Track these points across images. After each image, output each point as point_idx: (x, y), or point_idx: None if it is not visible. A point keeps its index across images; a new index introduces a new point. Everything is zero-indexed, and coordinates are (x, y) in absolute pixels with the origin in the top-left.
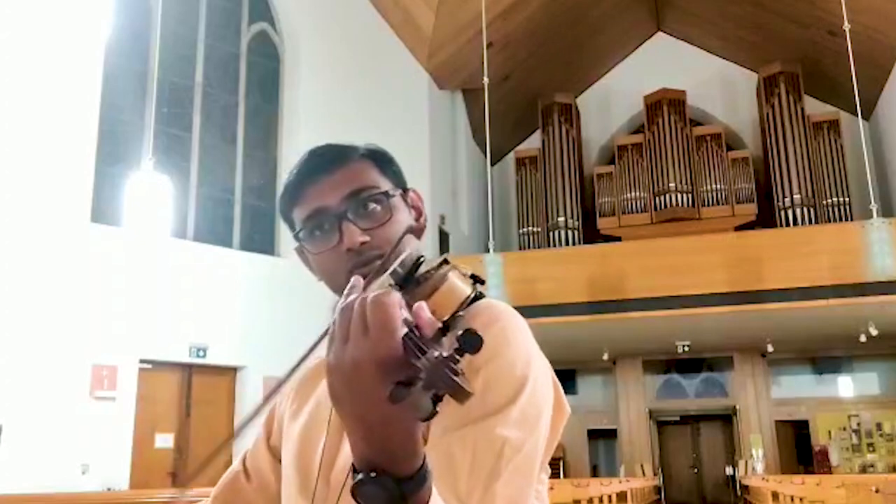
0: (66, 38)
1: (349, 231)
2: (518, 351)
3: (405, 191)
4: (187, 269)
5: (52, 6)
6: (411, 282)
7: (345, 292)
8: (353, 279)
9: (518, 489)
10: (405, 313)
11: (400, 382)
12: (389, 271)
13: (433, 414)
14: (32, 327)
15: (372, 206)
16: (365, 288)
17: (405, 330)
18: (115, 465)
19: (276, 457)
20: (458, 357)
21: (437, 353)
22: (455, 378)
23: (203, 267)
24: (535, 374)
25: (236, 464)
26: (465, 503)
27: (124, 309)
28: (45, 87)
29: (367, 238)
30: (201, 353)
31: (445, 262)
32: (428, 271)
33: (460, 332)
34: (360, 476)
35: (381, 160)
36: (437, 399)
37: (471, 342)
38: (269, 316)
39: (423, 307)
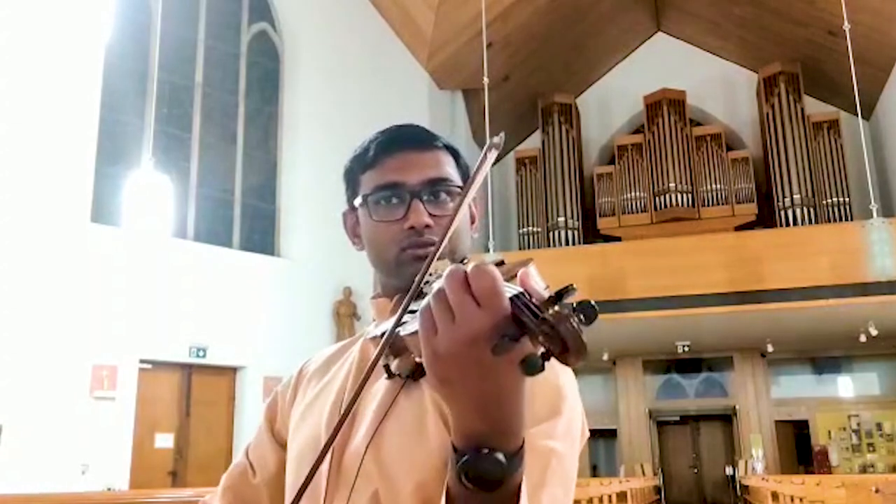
0: (66, 38)
1: (418, 210)
2: (556, 367)
3: None
4: (187, 269)
5: (52, 6)
6: None
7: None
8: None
9: (559, 501)
10: (506, 283)
11: (505, 335)
12: (437, 254)
13: (541, 370)
14: (32, 327)
15: (444, 196)
16: (425, 271)
17: (514, 292)
18: (115, 465)
19: (280, 444)
20: (580, 318)
21: (562, 310)
22: (579, 331)
23: (203, 267)
24: (573, 391)
25: (241, 457)
26: None
27: (124, 309)
28: (45, 88)
29: (431, 222)
30: (201, 353)
31: (502, 262)
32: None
33: (575, 302)
34: (468, 455)
35: (458, 158)
36: (545, 357)
37: (589, 310)
38: (268, 316)
39: (528, 272)
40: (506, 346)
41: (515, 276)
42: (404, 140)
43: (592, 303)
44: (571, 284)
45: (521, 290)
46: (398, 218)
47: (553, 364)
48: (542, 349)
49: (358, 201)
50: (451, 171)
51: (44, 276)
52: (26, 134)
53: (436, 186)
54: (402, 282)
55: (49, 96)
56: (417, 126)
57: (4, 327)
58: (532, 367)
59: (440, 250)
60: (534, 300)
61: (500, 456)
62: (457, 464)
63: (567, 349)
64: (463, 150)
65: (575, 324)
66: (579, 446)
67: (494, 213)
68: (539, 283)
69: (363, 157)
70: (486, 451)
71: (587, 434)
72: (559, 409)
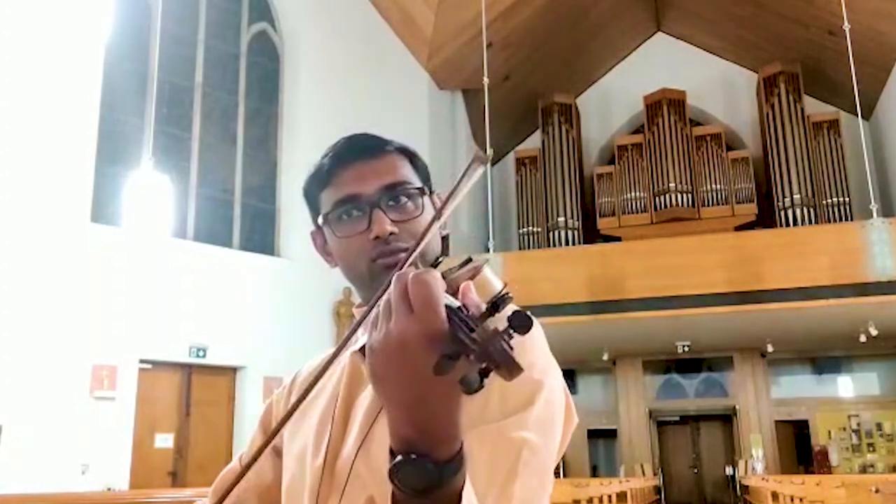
0: (66, 38)
1: (379, 219)
2: (536, 357)
3: (431, 192)
4: (187, 269)
5: (52, 6)
6: None
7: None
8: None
9: (533, 492)
10: (447, 295)
11: (445, 355)
12: (408, 263)
13: (480, 388)
14: (32, 327)
15: (404, 200)
16: (387, 287)
17: (452, 305)
18: (115, 465)
19: (276, 452)
20: (511, 333)
21: (491, 327)
22: (510, 350)
23: (203, 267)
24: (551, 380)
25: (234, 463)
26: (480, 502)
27: (124, 309)
28: (45, 88)
29: (395, 229)
30: (201, 353)
31: (469, 260)
32: (451, 269)
33: (510, 313)
34: (398, 458)
35: (414, 159)
36: (483, 374)
37: (521, 322)
38: (268, 316)
39: (469, 286)
40: (446, 367)
41: (473, 279)
42: (355, 150)
43: (527, 314)
44: (507, 293)
45: (460, 303)
46: (362, 230)
47: (529, 357)
48: (479, 366)
49: (320, 221)
50: (407, 173)
51: (44, 276)
52: (26, 134)
53: (394, 192)
54: None
55: (49, 96)
56: (367, 134)
57: (4, 327)
58: (469, 386)
59: (408, 264)
60: (470, 314)
61: (430, 464)
62: (389, 467)
63: (499, 366)
64: (462, 150)
65: (504, 342)
66: (564, 433)
67: (494, 213)
68: (494, 283)
69: (318, 175)
70: (414, 457)
71: (575, 420)
72: (532, 400)
